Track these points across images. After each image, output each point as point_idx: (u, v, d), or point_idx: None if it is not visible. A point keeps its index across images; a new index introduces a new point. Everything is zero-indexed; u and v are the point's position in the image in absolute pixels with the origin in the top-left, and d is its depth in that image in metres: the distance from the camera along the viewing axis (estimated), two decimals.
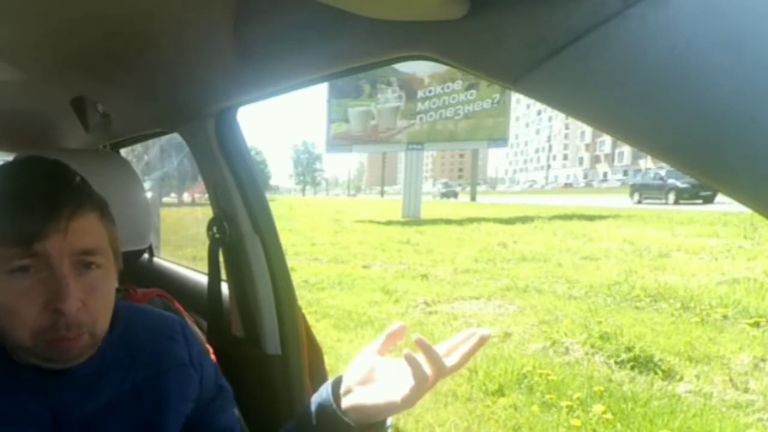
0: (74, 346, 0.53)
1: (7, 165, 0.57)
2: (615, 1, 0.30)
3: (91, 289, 0.53)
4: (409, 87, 15.61)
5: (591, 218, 11.52)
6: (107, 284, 0.56)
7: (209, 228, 0.98)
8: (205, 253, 1.01)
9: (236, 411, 0.70)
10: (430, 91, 15.56)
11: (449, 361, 0.51)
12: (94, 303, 0.54)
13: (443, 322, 3.92)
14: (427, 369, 0.50)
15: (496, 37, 0.38)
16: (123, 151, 1.52)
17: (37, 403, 0.55)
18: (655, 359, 2.92)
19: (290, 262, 1.02)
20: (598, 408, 2.38)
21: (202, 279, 1.23)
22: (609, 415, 2.32)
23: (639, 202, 18.88)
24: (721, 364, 2.90)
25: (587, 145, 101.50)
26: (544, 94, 0.36)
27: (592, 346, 3.18)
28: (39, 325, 0.51)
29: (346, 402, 0.56)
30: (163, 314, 0.71)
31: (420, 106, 15.67)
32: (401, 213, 15.64)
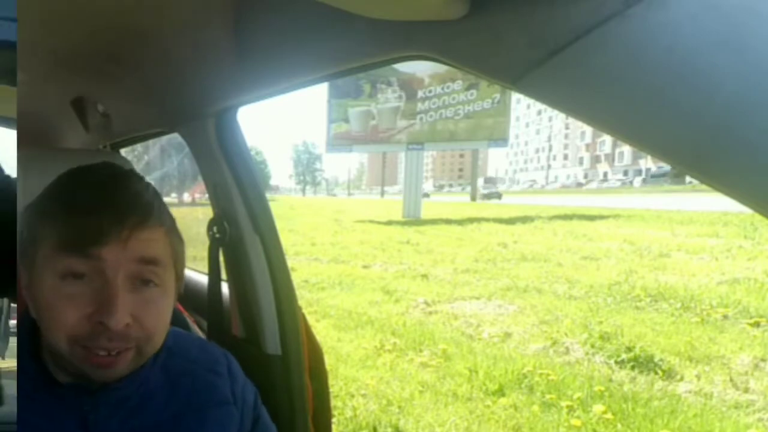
0: (115, 363, 0.50)
1: (80, 169, 0.54)
2: (615, 1, 0.30)
3: (146, 305, 0.51)
4: (409, 87, 15.62)
5: (591, 218, 11.52)
6: (165, 303, 0.53)
7: (209, 228, 0.98)
8: (204, 253, 1.00)
9: None
10: (430, 91, 15.57)
11: None
12: (148, 319, 0.51)
13: (443, 322, 3.92)
14: None
15: (496, 37, 0.38)
16: (123, 151, 1.51)
17: (73, 422, 0.53)
18: (656, 359, 2.92)
19: (290, 262, 1.02)
20: (598, 408, 2.38)
21: (202, 279, 1.23)
22: (609, 415, 2.32)
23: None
24: (722, 364, 2.90)
25: (587, 145, 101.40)
26: (544, 94, 0.36)
27: (593, 346, 3.18)
28: (76, 333, 0.48)
29: None
30: (206, 344, 0.68)
31: (420, 106, 15.68)
32: (401, 213, 15.64)
